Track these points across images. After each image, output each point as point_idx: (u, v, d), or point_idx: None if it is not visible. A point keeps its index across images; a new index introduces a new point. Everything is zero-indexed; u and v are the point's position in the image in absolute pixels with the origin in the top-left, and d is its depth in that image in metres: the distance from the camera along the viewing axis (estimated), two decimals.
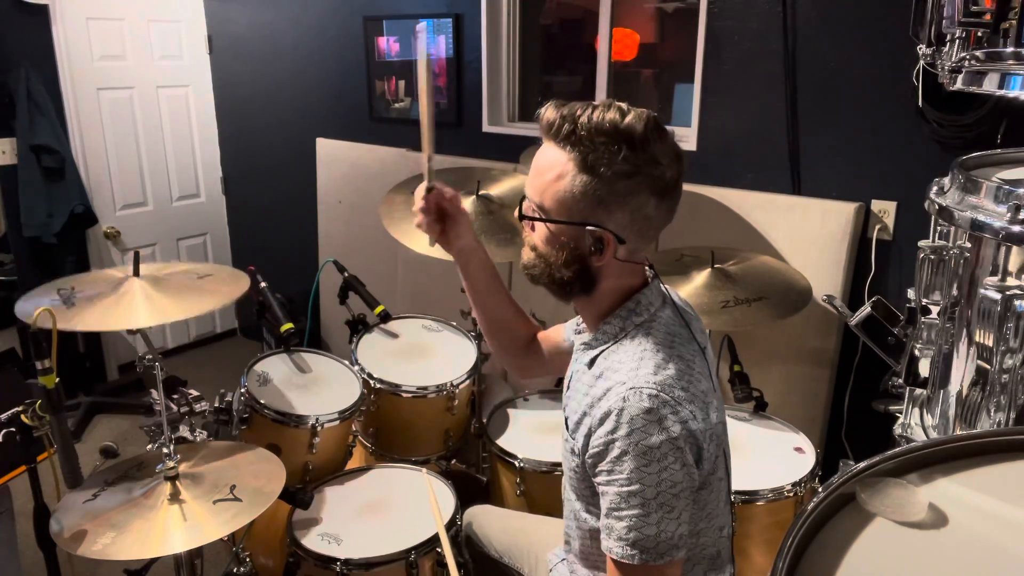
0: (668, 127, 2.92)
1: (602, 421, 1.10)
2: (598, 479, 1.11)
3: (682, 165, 1.13)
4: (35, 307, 1.60)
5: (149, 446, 1.89)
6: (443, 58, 3.30)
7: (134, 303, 1.65)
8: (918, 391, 1.62)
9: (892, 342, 1.79)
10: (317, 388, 2.27)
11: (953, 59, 1.47)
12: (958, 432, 1.40)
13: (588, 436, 1.13)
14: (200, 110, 4.30)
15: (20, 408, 1.61)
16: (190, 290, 1.75)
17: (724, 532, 1.27)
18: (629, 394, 1.08)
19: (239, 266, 4.29)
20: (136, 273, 1.73)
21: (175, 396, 1.94)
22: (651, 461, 1.05)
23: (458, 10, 3.19)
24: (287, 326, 2.35)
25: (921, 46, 1.65)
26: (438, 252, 2.23)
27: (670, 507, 1.06)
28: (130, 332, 1.67)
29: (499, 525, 1.78)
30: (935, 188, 1.51)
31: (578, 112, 1.11)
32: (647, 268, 1.21)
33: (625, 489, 1.06)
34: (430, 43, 3.30)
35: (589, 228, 1.12)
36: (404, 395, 2.28)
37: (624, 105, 1.11)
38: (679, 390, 1.09)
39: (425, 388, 2.28)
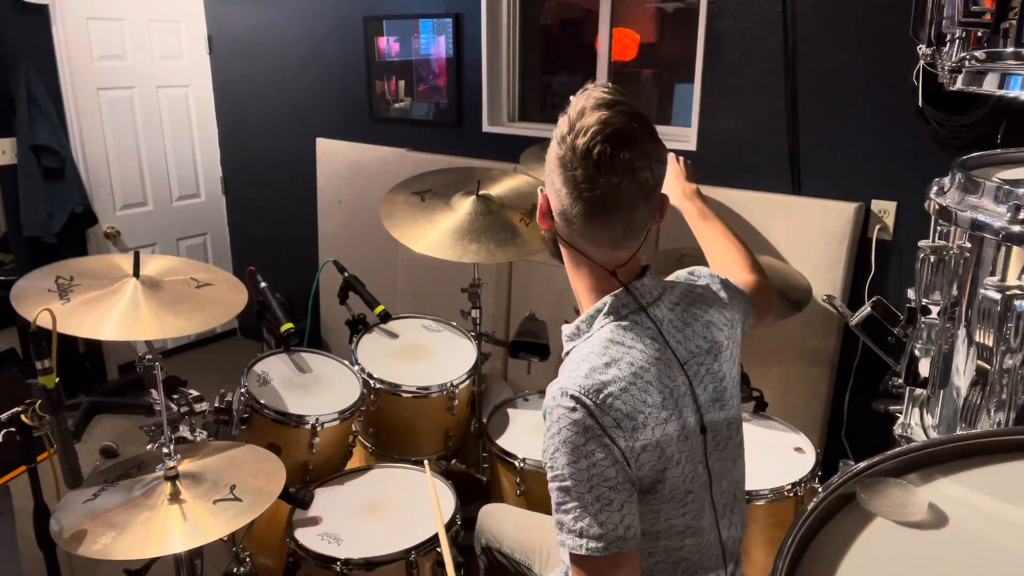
0: (667, 127, 2.89)
1: (544, 419, 1.13)
2: (548, 476, 1.14)
3: (587, 165, 1.07)
4: (32, 290, 1.63)
5: (149, 446, 1.89)
6: (443, 58, 3.30)
7: (133, 315, 1.64)
8: (918, 391, 1.62)
9: (892, 342, 1.79)
10: (317, 388, 2.27)
11: (953, 59, 1.47)
12: (958, 432, 1.40)
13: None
14: (200, 110, 4.30)
15: (20, 408, 1.61)
16: (189, 301, 1.74)
17: (687, 540, 1.22)
18: (558, 394, 1.10)
19: (239, 266, 4.26)
20: (136, 275, 1.73)
21: (175, 396, 1.94)
22: (580, 458, 1.07)
23: (458, 10, 3.19)
24: (287, 326, 2.35)
25: (921, 46, 1.65)
26: (438, 252, 2.24)
27: (608, 500, 1.08)
28: None
29: (512, 523, 1.79)
30: (935, 188, 1.51)
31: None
32: (613, 273, 1.18)
33: (563, 484, 1.09)
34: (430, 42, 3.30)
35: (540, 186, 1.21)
36: (404, 395, 2.28)
37: (607, 93, 1.11)
38: (607, 397, 1.09)
39: (425, 388, 2.28)
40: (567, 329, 1.25)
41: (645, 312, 1.18)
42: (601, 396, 1.08)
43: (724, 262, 1.59)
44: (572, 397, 1.08)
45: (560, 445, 1.08)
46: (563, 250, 1.22)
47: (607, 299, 1.17)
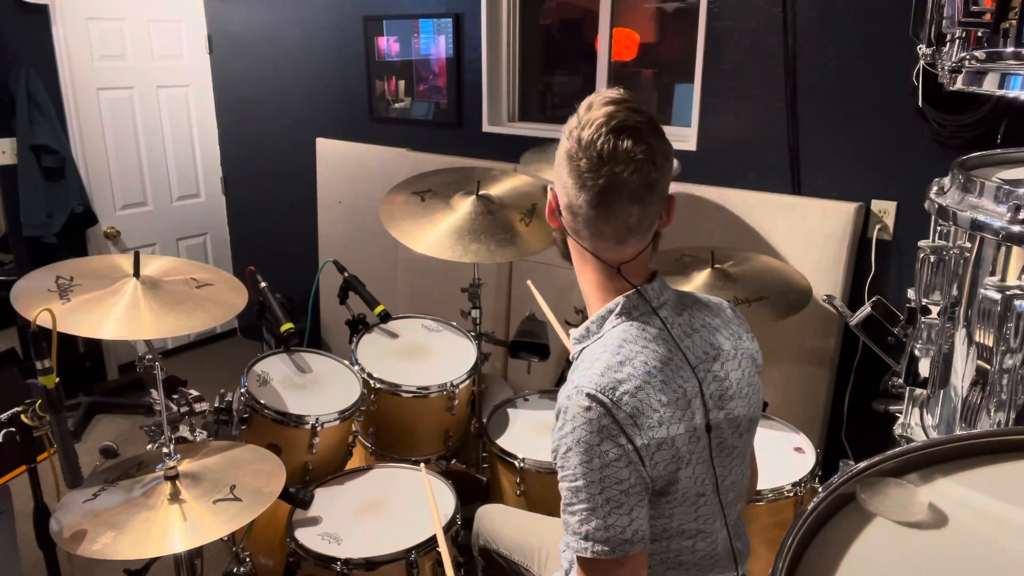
0: (667, 127, 2.88)
1: (556, 418, 1.13)
2: (557, 476, 1.13)
3: (591, 155, 1.09)
4: (32, 290, 1.63)
5: (149, 446, 1.89)
6: (443, 58, 3.30)
7: (133, 315, 1.64)
8: (918, 391, 1.62)
9: (892, 342, 1.79)
10: (317, 388, 2.27)
11: (953, 59, 1.47)
12: (958, 432, 1.40)
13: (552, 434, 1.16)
14: (200, 110, 4.30)
15: (20, 408, 1.61)
16: (189, 301, 1.74)
17: (698, 543, 1.22)
18: (573, 392, 1.10)
19: (239, 266, 4.26)
20: (136, 275, 1.73)
21: (175, 396, 1.93)
22: (593, 458, 1.07)
23: (458, 10, 3.19)
24: (287, 326, 2.35)
25: (921, 46, 1.65)
26: (438, 252, 2.24)
27: (618, 503, 1.07)
28: None
29: (510, 524, 1.79)
30: (935, 188, 1.51)
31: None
32: (618, 270, 1.18)
33: (573, 484, 1.09)
34: (430, 42, 3.30)
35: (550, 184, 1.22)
36: (404, 395, 2.28)
37: (616, 93, 1.14)
38: (623, 395, 1.08)
39: (425, 388, 2.28)
40: (576, 332, 1.25)
41: (656, 314, 1.18)
42: (617, 394, 1.08)
43: None
44: (588, 395, 1.08)
45: (574, 444, 1.08)
46: (571, 248, 1.23)
47: (619, 299, 1.18)
